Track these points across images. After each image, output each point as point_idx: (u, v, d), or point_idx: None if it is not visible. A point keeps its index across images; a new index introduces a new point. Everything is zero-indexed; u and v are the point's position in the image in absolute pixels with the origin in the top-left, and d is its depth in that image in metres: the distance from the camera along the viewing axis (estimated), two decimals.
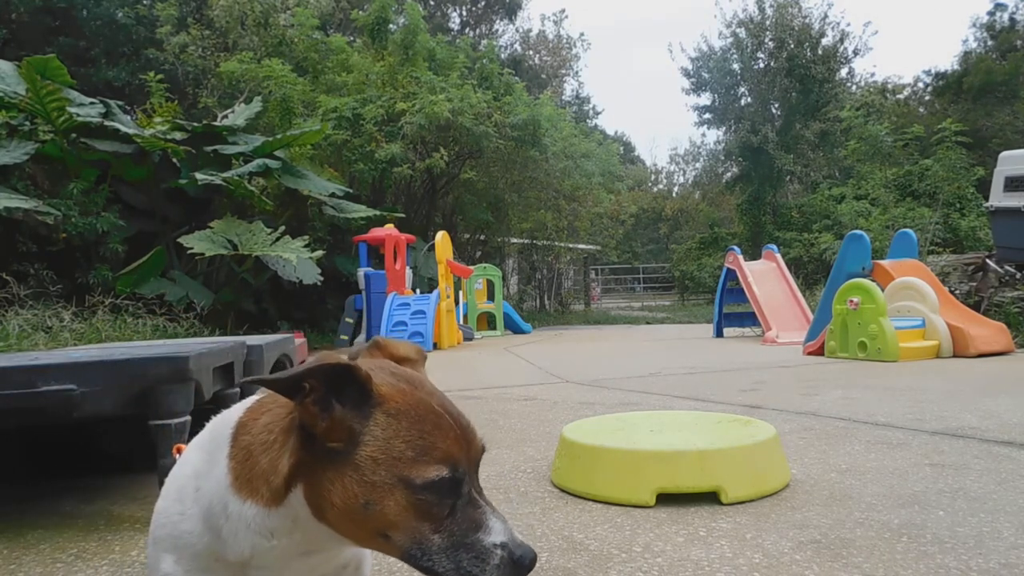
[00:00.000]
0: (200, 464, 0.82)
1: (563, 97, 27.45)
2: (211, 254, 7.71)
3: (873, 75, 25.63)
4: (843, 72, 21.96)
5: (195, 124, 8.91)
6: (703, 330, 10.99)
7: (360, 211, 10.07)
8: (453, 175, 13.31)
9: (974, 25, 24.22)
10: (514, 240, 17.02)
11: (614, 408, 3.59)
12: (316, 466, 0.73)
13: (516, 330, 12.13)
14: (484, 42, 19.10)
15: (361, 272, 9.82)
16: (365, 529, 0.73)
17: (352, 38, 14.70)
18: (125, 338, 5.99)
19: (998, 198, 7.64)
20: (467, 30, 25.04)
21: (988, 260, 7.69)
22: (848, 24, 25.10)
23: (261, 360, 2.79)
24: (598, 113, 33.65)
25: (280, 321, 10.27)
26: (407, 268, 10.02)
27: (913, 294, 6.23)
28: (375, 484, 0.70)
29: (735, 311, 9.83)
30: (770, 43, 21.00)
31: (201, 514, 0.79)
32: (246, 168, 8.69)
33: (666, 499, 1.95)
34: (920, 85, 25.32)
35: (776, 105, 21.61)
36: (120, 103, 8.91)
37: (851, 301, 5.90)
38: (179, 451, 0.93)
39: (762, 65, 21.33)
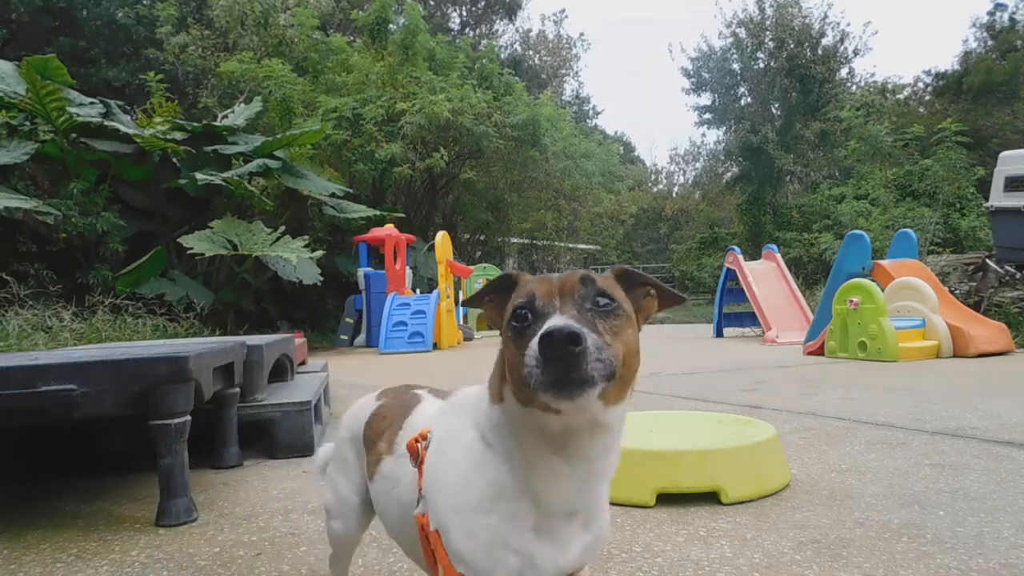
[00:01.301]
0: (459, 412, 0.93)
1: (563, 97, 27.48)
2: (211, 254, 7.71)
3: (873, 75, 25.61)
4: (843, 72, 21.99)
5: (195, 124, 8.91)
6: (703, 330, 10.99)
7: (360, 211, 10.07)
8: (453, 175, 13.32)
9: (974, 25, 24.25)
10: (514, 240, 17.02)
11: None
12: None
13: None
14: (484, 42, 19.11)
15: (361, 272, 9.82)
16: (513, 381, 0.81)
17: (352, 38, 14.69)
18: (125, 338, 5.99)
19: (998, 198, 7.65)
20: (467, 30, 25.06)
21: (988, 260, 7.69)
22: (848, 24, 25.21)
23: (261, 360, 2.79)
24: (598, 113, 33.72)
25: (280, 321, 10.27)
26: (407, 268, 10.02)
27: (913, 294, 6.23)
28: (504, 333, 0.84)
29: (735, 311, 9.83)
30: (770, 43, 21.01)
31: (491, 440, 0.86)
32: (246, 168, 8.69)
33: (666, 499, 1.95)
34: (920, 85, 25.31)
35: (776, 105, 21.62)
36: (120, 103, 8.92)
37: (851, 301, 5.90)
38: (423, 437, 0.95)
39: (762, 65, 21.35)
